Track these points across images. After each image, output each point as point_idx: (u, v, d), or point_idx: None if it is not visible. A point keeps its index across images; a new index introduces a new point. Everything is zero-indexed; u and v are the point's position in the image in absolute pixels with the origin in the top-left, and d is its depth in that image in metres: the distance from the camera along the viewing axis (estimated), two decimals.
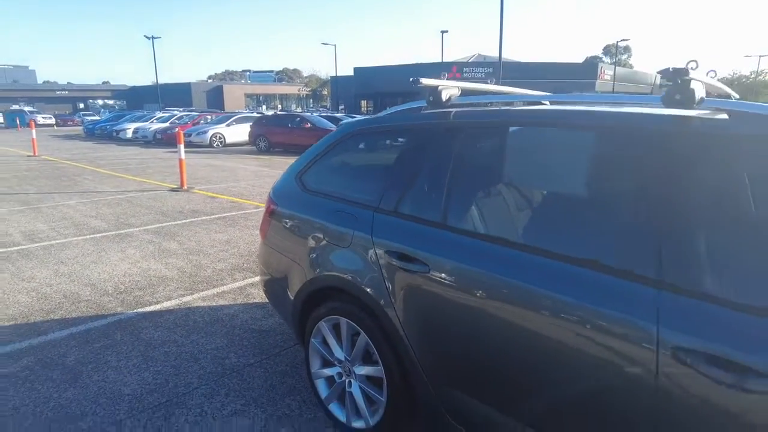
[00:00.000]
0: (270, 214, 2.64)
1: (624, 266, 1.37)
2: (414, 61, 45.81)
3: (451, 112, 2.03)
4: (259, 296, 3.90)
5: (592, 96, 2.07)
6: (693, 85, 1.46)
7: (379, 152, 2.33)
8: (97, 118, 33.98)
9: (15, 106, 48.62)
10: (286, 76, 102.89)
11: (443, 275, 1.75)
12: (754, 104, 1.43)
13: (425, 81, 2.11)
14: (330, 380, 2.34)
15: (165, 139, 20.56)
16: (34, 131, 16.83)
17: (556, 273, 1.49)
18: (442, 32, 40.68)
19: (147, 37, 39.38)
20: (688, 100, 1.47)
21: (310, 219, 2.36)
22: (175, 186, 9.43)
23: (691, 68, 1.48)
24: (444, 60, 43.06)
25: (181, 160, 9.26)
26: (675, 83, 1.49)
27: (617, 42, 44.01)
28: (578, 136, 1.67)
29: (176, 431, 2.27)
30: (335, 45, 46.33)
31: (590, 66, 42.26)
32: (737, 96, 2.04)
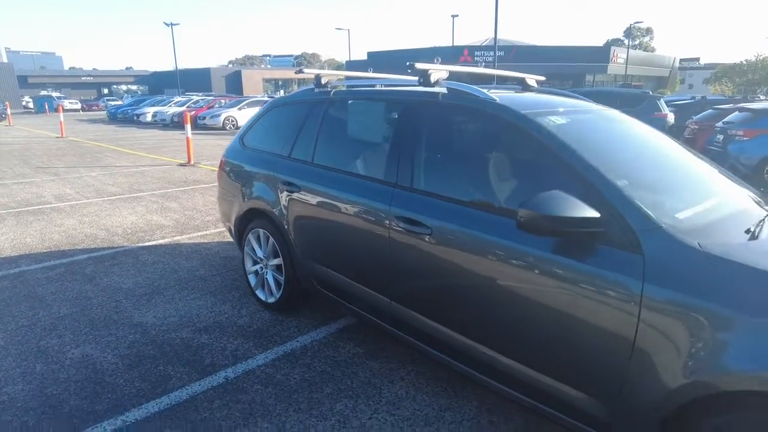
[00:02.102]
0: (221, 167, 3.77)
1: (382, 177, 2.45)
2: (426, 45, 46.21)
3: (330, 91, 3.10)
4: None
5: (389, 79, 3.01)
6: (433, 74, 2.49)
7: (289, 118, 3.40)
8: (119, 102, 35.62)
9: (44, 92, 50.92)
10: (304, 60, 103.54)
11: (306, 193, 2.85)
12: (474, 87, 2.41)
13: (306, 70, 3.17)
14: (256, 273, 3.47)
15: (182, 122, 21.90)
16: (61, 115, 18.31)
17: (359, 186, 2.57)
18: (453, 16, 40.98)
19: (166, 24, 40.79)
20: (427, 83, 2.50)
21: (245, 165, 3.48)
22: (183, 162, 10.67)
23: (436, 60, 2.52)
24: (455, 44, 43.37)
25: (188, 139, 10.46)
26: (423, 73, 2.52)
27: (631, 25, 43.63)
28: (382, 105, 2.73)
29: (154, 307, 3.43)
30: (349, 30, 47.12)
31: (603, 50, 42.07)
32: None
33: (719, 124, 9.64)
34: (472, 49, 43.07)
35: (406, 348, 2.84)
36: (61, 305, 3.42)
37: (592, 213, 1.63)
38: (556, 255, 1.75)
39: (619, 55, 43.03)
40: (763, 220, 1.84)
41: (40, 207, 6.38)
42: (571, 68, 41.75)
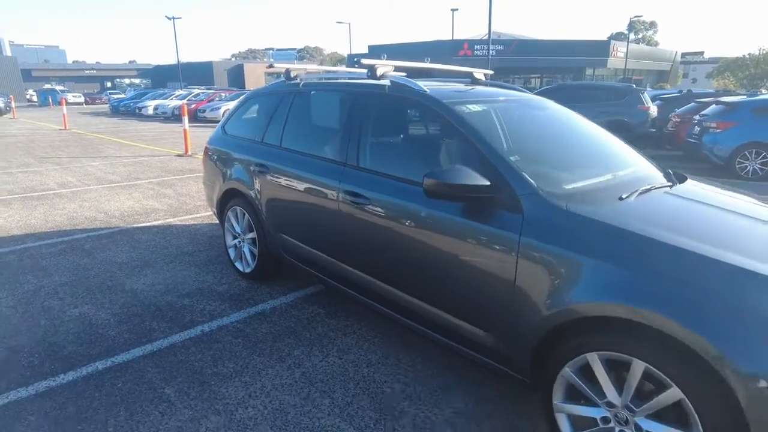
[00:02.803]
0: (205, 153, 4.17)
1: (335, 158, 2.84)
2: (427, 39, 46.34)
3: (300, 83, 3.49)
4: None
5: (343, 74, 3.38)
6: (378, 68, 2.87)
7: (263, 108, 3.79)
8: (122, 96, 36.05)
9: (47, 86, 51.41)
10: (307, 54, 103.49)
11: (274, 173, 3.25)
12: (410, 80, 2.79)
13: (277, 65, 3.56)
14: (235, 247, 3.89)
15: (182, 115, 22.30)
16: (64, 108, 18.75)
17: (317, 166, 2.96)
18: (453, 10, 41.11)
19: (168, 18, 41.12)
20: (374, 76, 2.88)
21: (225, 151, 3.88)
22: (181, 152, 11.08)
23: (383, 57, 2.91)
24: (456, 38, 43.54)
25: (185, 130, 10.87)
26: (369, 67, 2.90)
27: (632, 19, 43.62)
28: (339, 96, 3.12)
29: (144, 277, 3.85)
30: (350, 24, 47.30)
31: (603, 44, 42.13)
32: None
33: (696, 116, 9.97)
34: (472, 43, 43.23)
35: (363, 308, 3.25)
36: (62, 274, 3.85)
37: (483, 181, 2.03)
38: (459, 216, 2.15)
39: (619, 49, 43.09)
40: (638, 190, 2.23)
41: (44, 193, 6.81)
42: (572, 62, 41.86)
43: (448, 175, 2.02)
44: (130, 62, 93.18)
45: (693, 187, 2.50)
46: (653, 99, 15.06)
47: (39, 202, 6.23)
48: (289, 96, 3.46)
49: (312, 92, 3.33)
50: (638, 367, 1.66)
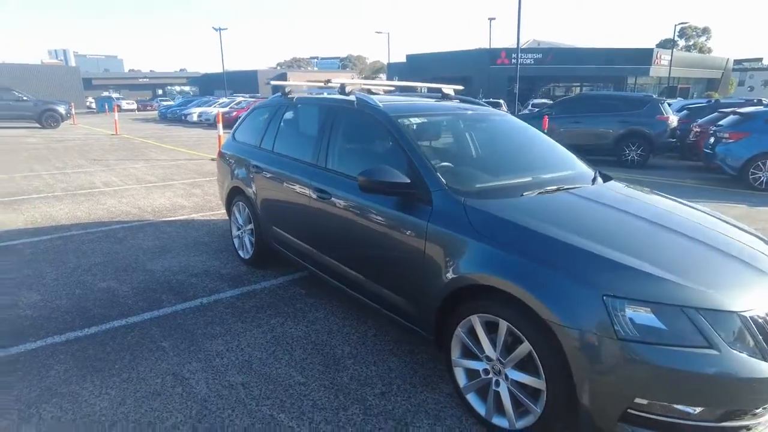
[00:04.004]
0: (218, 156, 4.84)
1: (310, 160, 3.41)
2: (465, 48, 46.58)
3: (294, 98, 4.10)
4: None
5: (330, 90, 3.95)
6: (348, 87, 3.43)
7: (262, 118, 4.41)
8: (170, 103, 38.20)
9: (105, 93, 54.93)
10: (350, 62, 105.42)
11: (266, 173, 3.86)
12: (370, 96, 3.35)
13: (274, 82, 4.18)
14: (238, 238, 4.52)
15: (224, 122, 23.58)
16: (116, 114, 20.34)
17: (297, 167, 3.54)
18: (490, 19, 41.27)
19: (215, 29, 43.26)
20: (343, 92, 3.44)
21: (233, 154, 4.53)
22: (214, 157, 11.97)
23: (354, 78, 3.45)
24: (493, 47, 43.60)
25: (219, 136, 11.75)
26: (341, 86, 3.46)
27: (676, 25, 42.42)
28: (318, 108, 3.68)
29: (162, 260, 4.54)
30: (388, 33, 48.25)
31: (644, 52, 41.13)
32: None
33: (712, 127, 9.99)
34: (509, 52, 43.11)
35: (337, 290, 3.79)
36: (97, 256, 4.59)
37: (405, 179, 2.54)
38: (390, 208, 2.66)
39: (663, 56, 41.96)
40: (542, 189, 2.68)
41: (91, 191, 7.74)
42: (612, 71, 41.09)
43: (376, 173, 2.55)
44: (180, 70, 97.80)
45: (602, 188, 2.91)
46: (680, 109, 14.96)
47: (85, 198, 7.14)
48: (282, 108, 4.07)
49: (299, 105, 3.93)
50: (503, 326, 2.13)
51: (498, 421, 2.22)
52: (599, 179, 3.12)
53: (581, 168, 3.26)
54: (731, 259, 2.12)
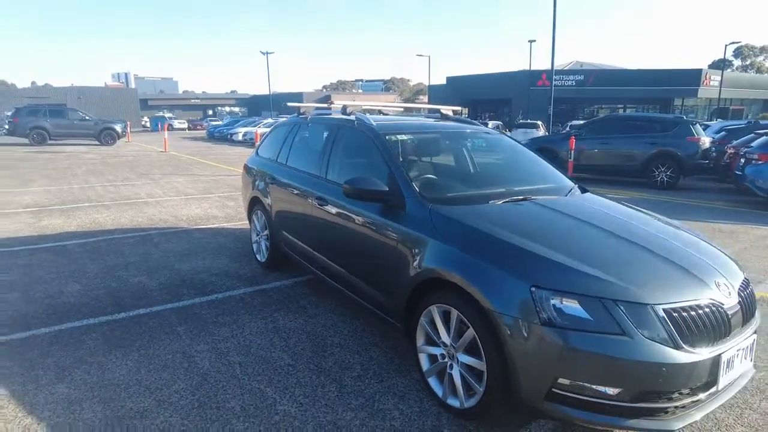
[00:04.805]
0: (244, 170, 5.37)
1: (314, 172, 3.83)
2: (508, 69, 46.69)
3: (308, 117, 4.56)
4: None
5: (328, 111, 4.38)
6: (349, 107, 3.85)
7: (280, 135, 4.88)
8: (218, 123, 40.23)
9: (159, 113, 58.36)
10: (393, 84, 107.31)
11: (279, 184, 4.31)
12: (366, 116, 3.75)
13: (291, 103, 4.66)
14: (256, 243, 4.98)
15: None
16: (166, 133, 21.78)
17: (303, 178, 3.97)
18: (530, 42, 41.36)
19: (262, 53, 45.45)
20: (345, 113, 3.85)
21: (255, 167, 5.03)
22: None
23: (353, 101, 3.87)
24: (534, 68, 43.55)
25: None
26: (343, 107, 3.88)
27: (726, 45, 41.10)
28: (324, 126, 4.11)
29: (189, 262, 5.05)
30: (429, 56, 49.11)
31: (692, 73, 39.96)
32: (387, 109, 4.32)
33: (743, 149, 9.81)
34: (550, 73, 43.00)
35: (338, 293, 4.16)
36: (133, 257, 5.17)
37: (383, 188, 2.90)
38: (373, 213, 3.02)
39: (713, 77, 40.62)
40: (509, 198, 2.98)
41: (135, 201, 8.51)
42: (657, 92, 40.09)
43: (358, 182, 2.92)
44: (231, 92, 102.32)
45: (570, 199, 3.18)
46: (719, 130, 14.62)
47: (129, 207, 7.87)
48: (296, 126, 4.54)
49: (310, 123, 4.38)
50: (454, 314, 2.43)
51: (452, 401, 2.51)
52: (576, 192, 3.38)
53: (561, 182, 3.52)
54: (660, 259, 2.35)
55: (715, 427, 2.50)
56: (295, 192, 4.03)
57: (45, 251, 5.33)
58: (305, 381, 2.82)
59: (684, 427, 2.43)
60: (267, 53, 45.19)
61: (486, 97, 45.97)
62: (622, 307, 2.05)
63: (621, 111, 42.62)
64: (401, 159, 3.18)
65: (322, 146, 3.94)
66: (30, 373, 2.84)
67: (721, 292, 2.24)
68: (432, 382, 2.64)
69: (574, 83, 42.94)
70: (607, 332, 2.02)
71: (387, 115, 4.70)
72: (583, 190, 3.45)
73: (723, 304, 2.21)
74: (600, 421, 2.08)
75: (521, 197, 3.03)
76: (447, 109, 4.42)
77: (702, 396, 2.13)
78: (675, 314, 2.08)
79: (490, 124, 28.51)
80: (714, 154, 11.86)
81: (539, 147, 13.26)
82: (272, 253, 4.63)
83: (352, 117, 3.76)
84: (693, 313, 2.11)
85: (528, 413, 2.45)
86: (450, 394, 2.53)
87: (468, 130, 3.87)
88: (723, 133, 13.82)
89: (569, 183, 3.54)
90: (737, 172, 9.71)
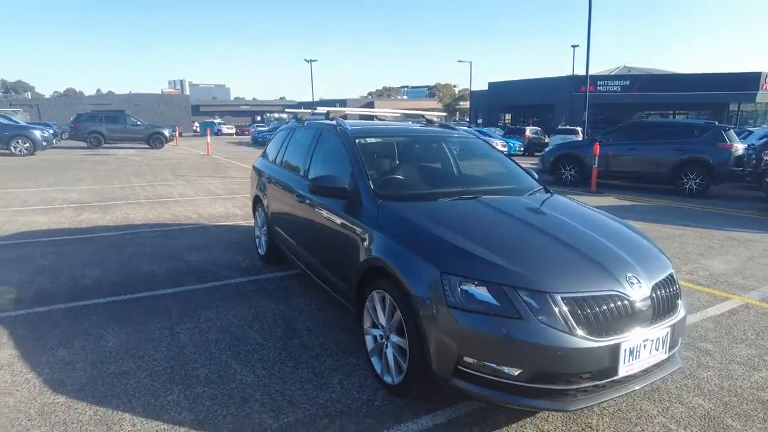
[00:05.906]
0: (252, 170, 5.83)
1: (301, 172, 4.20)
2: (550, 75, 45.91)
3: (305, 121, 4.95)
4: None
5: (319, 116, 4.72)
6: (331, 113, 4.19)
7: (281, 138, 5.29)
8: (264, 128, 41.73)
9: (209, 119, 61.17)
10: (437, 91, 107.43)
11: (274, 183, 4.71)
12: (343, 120, 4.08)
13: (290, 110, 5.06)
14: (258, 238, 5.41)
15: None
16: (209, 137, 22.94)
17: (290, 176, 4.34)
18: (573, 47, 40.54)
19: (306, 60, 46.80)
20: (328, 118, 4.20)
21: (259, 168, 5.47)
22: None
23: (338, 106, 4.21)
24: (576, 73, 42.59)
25: None
26: (326, 113, 4.23)
27: None
28: (313, 131, 4.47)
29: (198, 254, 5.54)
30: (471, 62, 48.97)
31: (750, 76, 37.88)
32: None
33: None
34: (594, 79, 41.92)
35: (321, 287, 4.50)
36: (150, 248, 5.72)
37: (343, 185, 3.22)
38: (339, 209, 3.34)
39: None
40: (461, 198, 3.22)
41: (167, 199, 9.21)
42: (711, 97, 38.25)
43: (322, 180, 3.26)
44: (280, 98, 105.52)
45: (521, 198, 3.38)
46: (763, 136, 13.99)
47: (160, 205, 8.55)
48: (293, 130, 4.94)
49: (302, 127, 4.77)
50: (388, 299, 2.71)
51: (387, 378, 2.78)
52: (537, 194, 3.57)
53: (522, 184, 3.72)
54: (576, 254, 2.54)
55: (636, 416, 2.64)
56: (284, 190, 4.41)
57: (77, 242, 5.98)
58: (267, 357, 3.17)
59: (608, 415, 2.62)
60: (311, 61, 46.52)
61: (527, 102, 45.29)
62: (522, 294, 2.27)
63: (671, 117, 40.97)
64: (366, 159, 3.49)
65: (307, 148, 4.30)
66: (39, 339, 3.34)
67: (630, 286, 2.40)
68: (374, 361, 2.92)
69: (619, 88, 41.67)
70: (505, 316, 2.25)
71: (383, 120, 5.03)
72: (547, 192, 3.62)
73: (629, 296, 2.37)
74: (502, 400, 2.30)
75: (471, 196, 3.27)
76: (431, 115, 4.69)
77: (601, 382, 2.30)
78: (574, 303, 2.27)
79: (528, 130, 28.24)
80: (753, 160, 11.41)
81: (563, 152, 13.17)
82: (269, 247, 5.03)
83: (334, 122, 4.11)
84: (593, 302, 2.29)
85: (450, 392, 2.68)
86: (385, 372, 2.80)
87: (443, 135, 4.13)
88: (765, 140, 13.23)
89: (533, 185, 3.73)
90: (766, 180, 9.37)
